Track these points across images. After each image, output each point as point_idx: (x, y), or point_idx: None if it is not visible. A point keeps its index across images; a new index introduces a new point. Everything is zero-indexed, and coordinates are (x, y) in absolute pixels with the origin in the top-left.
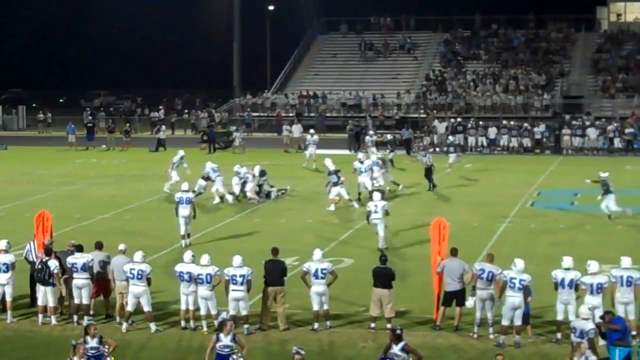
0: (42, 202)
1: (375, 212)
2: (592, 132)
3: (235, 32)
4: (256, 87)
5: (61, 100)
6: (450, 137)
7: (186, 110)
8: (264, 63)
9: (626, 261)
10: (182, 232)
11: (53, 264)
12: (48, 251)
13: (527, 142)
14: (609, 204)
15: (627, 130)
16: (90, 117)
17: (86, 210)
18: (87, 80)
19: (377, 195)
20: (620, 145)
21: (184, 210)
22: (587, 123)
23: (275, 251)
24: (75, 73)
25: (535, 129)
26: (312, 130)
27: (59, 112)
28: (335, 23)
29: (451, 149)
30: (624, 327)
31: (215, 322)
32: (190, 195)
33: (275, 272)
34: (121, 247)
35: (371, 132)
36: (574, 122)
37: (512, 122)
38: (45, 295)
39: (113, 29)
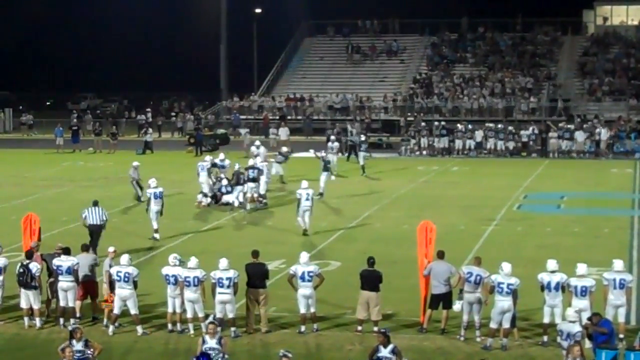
0: (28, 204)
1: (307, 199)
2: (579, 135)
3: (223, 34)
4: (243, 90)
5: (48, 103)
6: (362, 137)
7: (174, 113)
8: (251, 66)
9: (618, 264)
10: (155, 226)
11: (35, 266)
12: (29, 254)
13: (513, 145)
14: (321, 180)
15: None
16: (75, 120)
17: (73, 212)
18: (74, 83)
19: (305, 183)
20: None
21: (156, 206)
22: (573, 127)
23: (255, 254)
24: (62, 75)
25: (522, 132)
26: (257, 142)
27: (45, 115)
28: (322, 26)
29: (363, 146)
30: (610, 330)
31: (203, 325)
32: (161, 189)
33: (256, 275)
34: (111, 249)
35: (332, 137)
36: (560, 125)
37: (500, 125)
38: (28, 299)
39: (100, 31)
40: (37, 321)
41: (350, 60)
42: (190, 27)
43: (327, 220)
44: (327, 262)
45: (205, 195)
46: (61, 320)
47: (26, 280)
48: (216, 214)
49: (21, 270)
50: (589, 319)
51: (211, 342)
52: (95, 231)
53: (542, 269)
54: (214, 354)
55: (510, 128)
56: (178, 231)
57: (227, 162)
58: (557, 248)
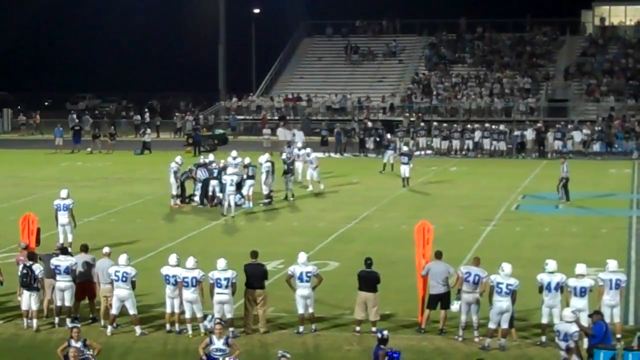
0: (27, 204)
1: (231, 185)
2: (576, 136)
3: (221, 35)
4: (242, 90)
5: (46, 103)
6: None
7: (177, 114)
8: (249, 66)
9: (612, 264)
10: (61, 240)
11: (37, 268)
12: (31, 255)
13: (511, 145)
14: (288, 183)
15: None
16: (77, 120)
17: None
18: (73, 83)
19: (230, 170)
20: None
21: (63, 218)
22: (571, 126)
23: (254, 254)
24: (60, 76)
25: (520, 132)
26: (234, 153)
27: (44, 115)
28: (320, 26)
29: (391, 145)
30: (601, 333)
31: (201, 325)
32: (68, 202)
33: (255, 276)
34: (106, 250)
35: (299, 144)
36: (557, 125)
37: (501, 127)
38: (29, 300)
39: (99, 32)
40: (34, 323)
41: (348, 61)
42: (189, 28)
43: (325, 220)
44: (325, 263)
45: (172, 196)
46: (56, 319)
47: (30, 281)
48: (214, 215)
49: (25, 271)
50: (590, 315)
51: (218, 343)
52: (204, 183)
53: (541, 269)
54: (221, 354)
55: (509, 128)
56: (176, 231)
57: (214, 164)
58: (556, 248)
